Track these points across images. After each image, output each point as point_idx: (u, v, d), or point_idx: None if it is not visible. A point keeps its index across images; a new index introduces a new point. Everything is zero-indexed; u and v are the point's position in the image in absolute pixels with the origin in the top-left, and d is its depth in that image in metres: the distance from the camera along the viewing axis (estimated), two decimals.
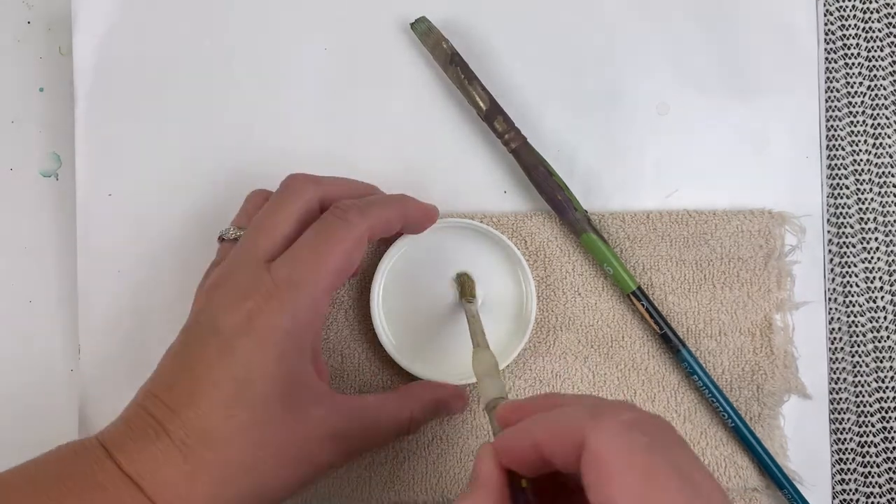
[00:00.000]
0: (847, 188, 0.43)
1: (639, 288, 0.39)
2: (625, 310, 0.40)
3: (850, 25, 0.43)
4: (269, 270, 0.32)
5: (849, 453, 0.41)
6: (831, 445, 0.41)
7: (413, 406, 0.36)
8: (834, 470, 0.41)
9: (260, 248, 0.33)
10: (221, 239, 0.36)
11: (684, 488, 0.22)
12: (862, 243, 0.43)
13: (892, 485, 0.41)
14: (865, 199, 0.43)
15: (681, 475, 0.22)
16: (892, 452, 0.42)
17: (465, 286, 0.39)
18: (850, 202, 0.43)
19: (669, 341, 0.39)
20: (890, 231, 0.43)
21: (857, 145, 0.43)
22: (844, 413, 0.42)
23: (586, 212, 0.40)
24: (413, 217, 0.37)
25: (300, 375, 0.32)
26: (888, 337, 0.42)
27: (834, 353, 0.42)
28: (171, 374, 0.32)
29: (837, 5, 0.43)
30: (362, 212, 0.34)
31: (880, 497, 0.41)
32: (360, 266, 0.38)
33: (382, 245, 0.39)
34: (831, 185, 0.43)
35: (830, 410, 0.41)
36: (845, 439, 0.41)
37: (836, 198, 0.43)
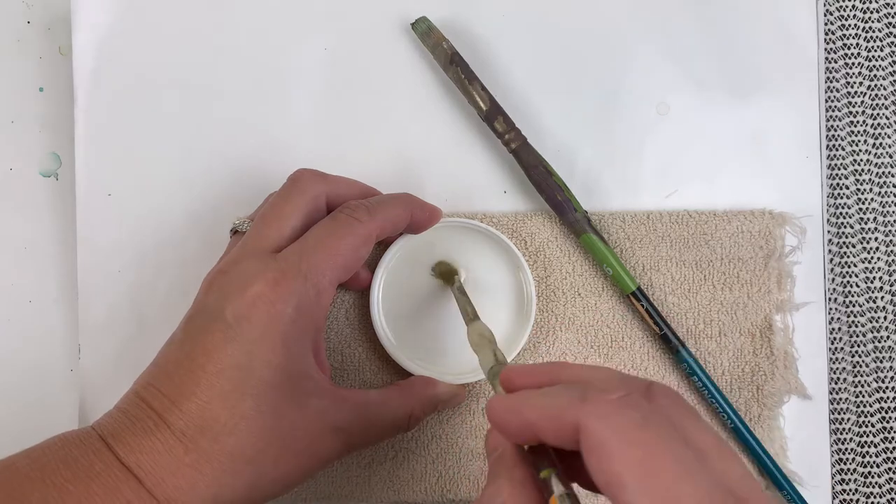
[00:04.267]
0: (847, 188, 0.43)
1: (638, 288, 0.39)
2: (625, 310, 0.40)
3: (850, 25, 0.43)
4: (276, 259, 0.32)
5: (849, 453, 0.41)
6: (831, 445, 0.41)
7: (413, 403, 0.36)
8: (834, 470, 0.41)
9: (267, 238, 0.33)
10: (234, 231, 0.37)
11: (685, 456, 0.22)
12: (862, 243, 0.43)
13: (892, 485, 0.41)
14: (865, 199, 0.43)
15: (679, 441, 0.23)
16: (892, 452, 0.42)
17: (444, 272, 0.39)
18: (850, 202, 0.42)
19: (669, 342, 0.39)
20: (890, 231, 0.43)
21: (857, 145, 0.43)
22: (844, 413, 0.41)
23: (586, 212, 0.40)
24: (418, 217, 0.37)
25: (303, 366, 0.32)
26: (888, 337, 0.42)
27: (834, 354, 0.42)
28: (171, 364, 0.32)
29: (837, 5, 0.43)
30: (371, 211, 0.34)
31: (880, 497, 0.41)
32: (366, 282, 0.39)
33: (382, 245, 0.39)
34: (831, 185, 0.43)
35: (830, 411, 0.41)
36: (845, 439, 0.41)
37: (836, 198, 0.43)
